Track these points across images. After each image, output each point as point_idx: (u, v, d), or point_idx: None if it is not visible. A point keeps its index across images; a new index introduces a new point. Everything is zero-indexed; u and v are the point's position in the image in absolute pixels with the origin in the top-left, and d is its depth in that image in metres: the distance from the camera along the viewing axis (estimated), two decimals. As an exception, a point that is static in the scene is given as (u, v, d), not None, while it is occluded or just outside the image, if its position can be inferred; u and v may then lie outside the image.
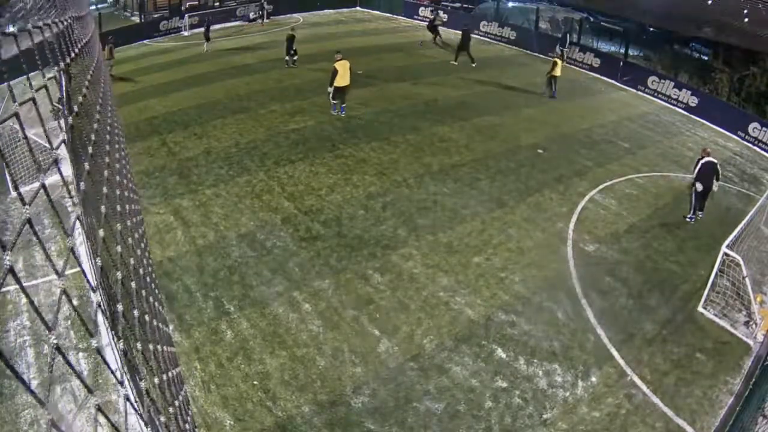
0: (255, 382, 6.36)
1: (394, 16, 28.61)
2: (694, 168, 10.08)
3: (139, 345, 1.42)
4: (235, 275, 8.14)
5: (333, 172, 11.25)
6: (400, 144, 12.76)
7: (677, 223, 10.31)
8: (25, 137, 1.20)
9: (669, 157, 13.48)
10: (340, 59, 13.67)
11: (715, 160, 10.06)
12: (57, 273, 0.89)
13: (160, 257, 8.43)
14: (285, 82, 17.01)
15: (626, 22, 22.93)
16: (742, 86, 18.45)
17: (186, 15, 25.44)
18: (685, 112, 17.11)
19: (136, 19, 27.40)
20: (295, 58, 18.60)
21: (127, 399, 1.12)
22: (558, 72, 16.84)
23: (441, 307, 7.70)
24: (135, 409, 1.24)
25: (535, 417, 6.14)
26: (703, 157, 9.97)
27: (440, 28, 23.03)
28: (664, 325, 7.68)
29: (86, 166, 1.40)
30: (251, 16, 27.67)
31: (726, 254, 7.91)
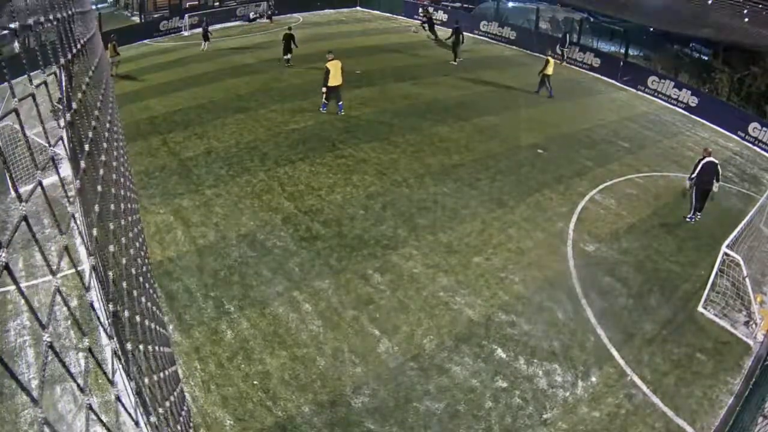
0: (255, 382, 6.36)
1: (394, 15, 28.63)
2: (695, 168, 10.06)
3: (129, 345, 1.41)
4: (235, 275, 8.13)
5: (333, 172, 11.25)
6: (400, 144, 12.76)
7: (677, 223, 10.30)
8: (25, 136, 1.20)
9: (669, 157, 13.47)
10: (332, 59, 13.75)
11: (716, 161, 10.05)
12: (52, 272, 0.89)
13: (160, 257, 8.43)
14: (285, 82, 17.02)
15: (626, 23, 22.93)
16: (742, 86, 18.45)
17: (186, 15, 25.46)
18: (685, 112, 17.11)
19: (137, 19, 27.42)
20: (288, 56, 18.65)
21: (119, 399, 1.12)
22: (550, 71, 16.86)
23: (441, 307, 7.70)
24: (126, 410, 1.23)
25: (535, 417, 6.14)
26: (704, 157, 9.95)
27: (435, 27, 23.32)
28: (664, 325, 7.67)
29: (82, 164, 1.40)
30: (251, 15, 27.69)
31: (726, 254, 7.91)
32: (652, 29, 22.44)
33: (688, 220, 10.33)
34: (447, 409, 6.17)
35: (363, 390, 6.34)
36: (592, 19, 25.05)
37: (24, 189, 10.18)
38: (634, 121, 15.70)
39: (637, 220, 10.30)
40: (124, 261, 1.74)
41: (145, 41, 23.56)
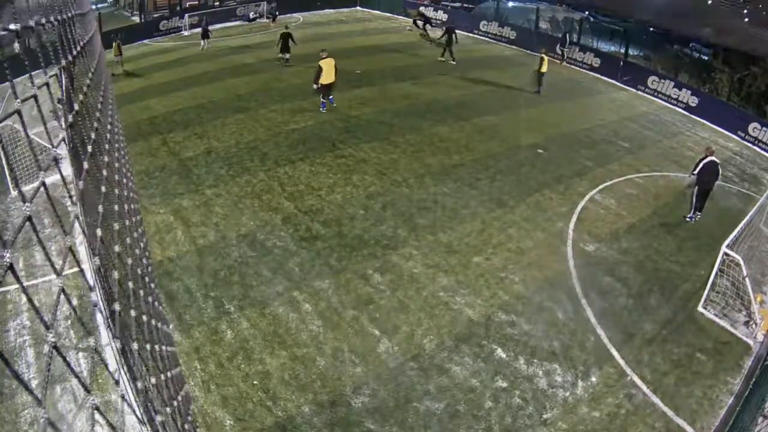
0: (255, 382, 6.36)
1: (394, 15, 28.63)
2: (695, 166, 10.06)
3: (135, 345, 1.42)
4: (235, 275, 8.14)
5: (333, 172, 11.25)
6: (400, 144, 12.76)
7: (677, 223, 10.31)
8: (27, 136, 1.20)
9: (669, 157, 13.48)
10: (326, 57, 13.81)
11: (718, 160, 10.06)
12: (56, 272, 0.89)
13: (160, 257, 8.43)
14: (285, 82, 17.02)
15: (627, 22, 22.94)
16: (742, 86, 18.46)
17: (186, 15, 25.47)
18: (685, 112, 17.12)
19: (137, 19, 27.42)
20: (287, 56, 18.72)
21: (124, 398, 1.12)
22: (545, 68, 16.90)
23: (441, 307, 7.70)
24: (132, 409, 1.23)
25: (535, 417, 6.14)
26: (706, 156, 9.95)
27: (429, 27, 23.65)
28: (664, 325, 7.68)
29: (85, 165, 1.40)
30: (251, 15, 27.69)
31: (726, 254, 7.91)
32: (652, 29, 22.45)
33: (688, 219, 10.34)
34: (447, 409, 6.17)
35: (363, 390, 6.34)
36: (592, 19, 25.06)
37: (24, 189, 10.18)
38: (634, 121, 15.70)
39: (637, 220, 10.31)
40: (129, 261, 1.74)
41: (145, 41, 23.56)
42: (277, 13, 27.39)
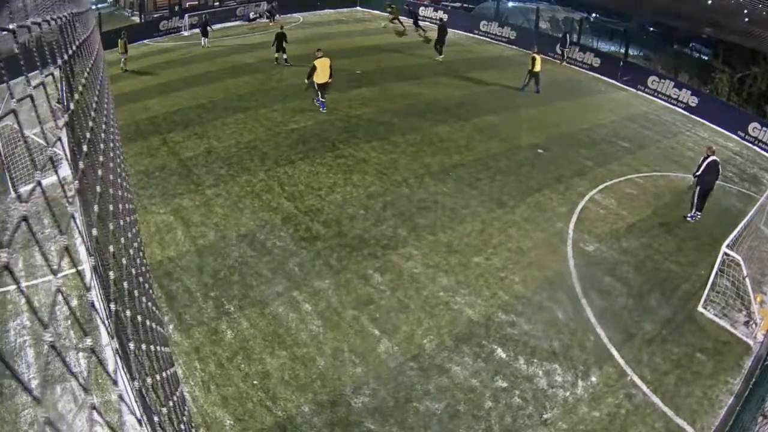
0: (255, 382, 6.36)
1: (410, 19, 28.59)
2: (699, 167, 10.05)
3: (131, 345, 1.41)
4: (235, 275, 8.13)
5: (333, 172, 11.25)
6: (400, 144, 12.76)
7: (677, 223, 10.30)
8: (24, 136, 1.20)
9: (669, 157, 13.47)
10: (321, 56, 13.83)
11: (719, 159, 10.08)
12: (53, 272, 0.89)
13: (160, 257, 8.43)
14: (285, 82, 17.01)
15: (627, 22, 22.95)
16: (743, 86, 18.46)
17: (186, 15, 25.47)
18: (685, 112, 17.11)
19: (136, 19, 27.42)
20: (285, 56, 18.79)
21: (121, 399, 1.12)
22: (537, 67, 16.94)
23: (441, 307, 7.70)
24: (130, 409, 1.23)
25: (535, 417, 6.14)
26: (708, 156, 9.95)
27: (422, 23, 24.60)
28: (664, 325, 7.67)
29: (81, 165, 1.40)
30: (251, 15, 27.69)
31: (726, 254, 7.91)
32: (652, 29, 22.47)
33: (688, 219, 10.34)
34: (447, 409, 6.17)
35: (363, 390, 6.34)
36: (591, 19, 25.06)
37: (23, 189, 10.18)
38: (634, 121, 15.70)
39: (637, 220, 10.30)
40: (124, 261, 1.74)
41: (145, 41, 23.56)
42: (278, 14, 27.42)
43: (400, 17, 25.10)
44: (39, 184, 0.96)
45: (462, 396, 6.33)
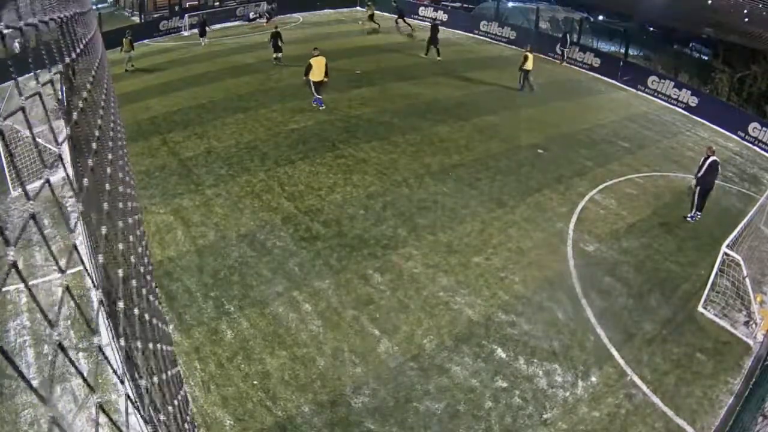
0: (255, 382, 6.36)
1: (394, 15, 28.58)
2: (700, 167, 10.06)
3: (139, 344, 1.42)
4: (235, 275, 8.13)
5: (333, 172, 11.25)
6: (400, 144, 12.76)
7: (677, 223, 10.31)
8: (32, 134, 1.20)
9: (669, 157, 13.48)
10: (317, 55, 14.06)
11: (719, 159, 10.11)
12: (60, 270, 0.89)
13: (160, 257, 8.43)
14: (285, 82, 17.01)
15: (627, 22, 22.96)
16: (743, 86, 18.47)
17: (186, 15, 25.48)
18: (685, 112, 17.12)
19: (136, 19, 27.42)
20: (279, 55, 18.83)
21: (128, 398, 1.12)
22: (529, 66, 16.96)
23: (441, 307, 7.70)
24: (136, 407, 1.23)
25: (535, 417, 6.14)
26: (708, 156, 9.97)
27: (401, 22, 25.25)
28: (664, 325, 7.68)
29: (90, 162, 1.40)
30: (251, 15, 27.70)
31: (726, 254, 7.91)
32: (652, 29, 22.49)
33: (688, 219, 10.34)
34: (447, 409, 6.17)
35: (363, 390, 6.34)
36: (591, 19, 25.08)
37: (26, 188, 10.20)
38: (634, 121, 15.70)
39: (637, 220, 10.31)
40: (133, 259, 1.74)
41: (145, 41, 23.54)
42: (274, 15, 27.40)
43: (374, 14, 25.85)
44: (48, 182, 0.96)
45: (462, 396, 6.33)
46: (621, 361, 6.97)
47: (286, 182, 10.79)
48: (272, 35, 18.94)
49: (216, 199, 10.14)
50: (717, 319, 7.79)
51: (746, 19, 15.06)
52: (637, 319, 7.76)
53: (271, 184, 10.69)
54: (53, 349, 0.78)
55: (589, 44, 22.53)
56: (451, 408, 6.18)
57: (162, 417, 1.42)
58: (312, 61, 14.00)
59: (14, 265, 0.70)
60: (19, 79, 1.24)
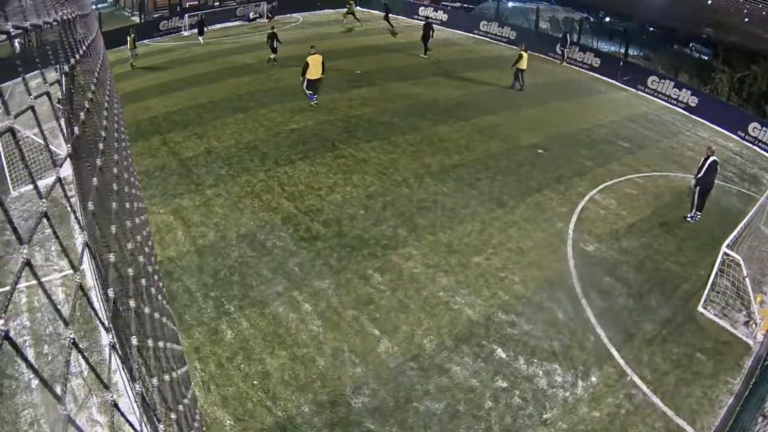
0: (255, 382, 6.36)
1: (394, 15, 28.59)
2: (700, 167, 10.07)
3: (150, 342, 1.42)
4: (235, 275, 8.14)
5: (333, 172, 11.25)
6: (400, 144, 12.76)
7: (677, 223, 10.31)
8: (41, 131, 1.20)
9: (669, 157, 13.48)
10: (314, 53, 14.21)
11: (718, 159, 10.13)
12: (73, 267, 0.90)
13: (160, 257, 8.42)
14: (285, 82, 17.01)
15: (627, 21, 22.97)
16: (743, 86, 18.47)
17: (186, 15, 25.48)
18: (685, 112, 17.13)
19: (136, 19, 27.41)
20: (273, 56, 18.83)
21: (141, 396, 1.13)
22: (524, 65, 17.00)
23: (441, 307, 7.70)
24: (146, 407, 1.24)
25: (535, 417, 6.14)
26: (708, 156, 9.98)
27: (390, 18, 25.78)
28: (664, 325, 7.68)
29: (98, 162, 1.41)
30: (251, 15, 27.70)
31: (726, 254, 7.91)
32: (652, 29, 22.49)
33: (688, 219, 10.35)
34: (447, 409, 6.17)
35: (363, 390, 6.35)
36: (592, 19, 25.08)
37: (22, 190, 10.16)
38: (634, 121, 15.71)
39: (637, 220, 10.31)
40: (141, 259, 1.74)
41: (145, 41, 23.54)
42: (276, 14, 27.46)
43: (355, 12, 26.28)
44: (59, 180, 0.97)
45: (462, 396, 6.33)
46: (621, 361, 6.97)
47: (286, 182, 10.80)
48: (269, 36, 18.93)
49: (216, 199, 10.15)
50: (717, 319, 7.80)
51: (746, 19, 15.06)
52: (637, 319, 7.76)
53: (271, 184, 10.69)
54: (68, 348, 0.79)
55: (589, 44, 22.53)
56: (451, 408, 6.18)
57: (173, 416, 1.42)
58: (309, 59, 14.12)
59: (28, 262, 0.70)
60: (19, 79, 1.25)
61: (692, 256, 9.31)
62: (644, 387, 6.61)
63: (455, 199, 10.50)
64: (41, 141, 8.45)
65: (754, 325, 7.64)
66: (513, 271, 8.55)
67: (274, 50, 18.85)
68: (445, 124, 14.11)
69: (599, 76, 20.02)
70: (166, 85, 17.02)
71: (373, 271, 8.36)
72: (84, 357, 0.80)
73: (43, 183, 7.85)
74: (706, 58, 21.81)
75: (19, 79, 1.79)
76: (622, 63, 19.64)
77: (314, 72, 14.22)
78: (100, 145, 1.57)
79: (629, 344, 7.28)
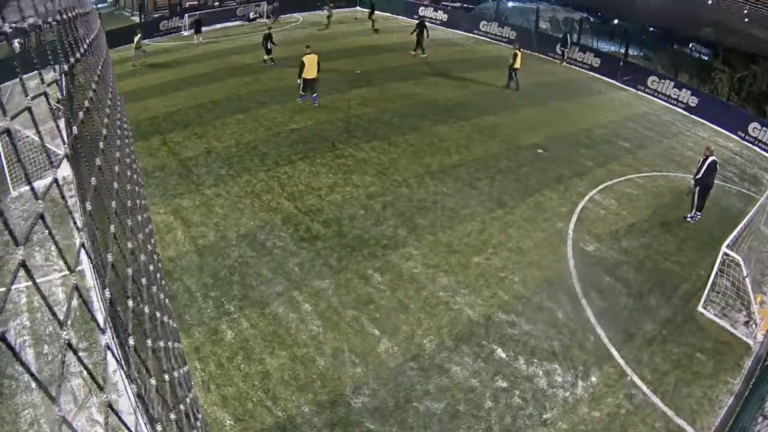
0: (255, 382, 6.36)
1: (394, 15, 28.62)
2: (699, 167, 10.07)
3: (149, 342, 1.42)
4: (235, 275, 8.13)
5: (333, 172, 11.25)
6: (400, 144, 12.76)
7: (677, 223, 10.31)
8: (38, 131, 1.20)
9: (669, 157, 13.48)
10: (309, 53, 14.37)
11: (717, 159, 10.13)
12: (69, 269, 0.89)
13: (160, 257, 8.42)
14: (285, 82, 17.00)
15: (626, 21, 22.97)
16: (742, 86, 18.47)
17: (186, 15, 25.48)
18: (685, 112, 17.13)
19: (136, 19, 27.41)
20: (268, 57, 18.86)
21: (140, 396, 1.12)
22: (518, 64, 17.03)
23: (441, 307, 7.70)
24: (145, 407, 1.23)
25: (535, 417, 6.14)
26: (707, 156, 9.98)
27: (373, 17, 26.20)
28: (664, 325, 7.68)
29: (98, 161, 1.40)
30: (251, 15, 27.70)
31: (726, 254, 7.91)
32: (652, 29, 22.49)
33: (688, 219, 10.34)
34: (447, 409, 6.17)
35: (363, 390, 6.34)
36: (591, 19, 25.09)
37: (23, 189, 10.16)
38: (634, 121, 15.70)
39: (637, 220, 10.31)
40: (143, 257, 1.74)
41: (145, 41, 23.52)
42: (278, 14, 27.50)
43: (332, 13, 26.76)
44: (56, 180, 0.96)
45: (462, 396, 6.33)
46: (621, 361, 6.97)
47: (286, 182, 10.79)
48: (264, 37, 18.89)
49: (216, 199, 10.14)
50: (717, 319, 7.80)
51: (746, 20, 15.05)
52: (637, 319, 7.76)
53: (271, 184, 10.69)
54: (62, 348, 0.79)
55: (589, 44, 22.53)
56: (451, 408, 6.18)
57: (173, 416, 1.42)
58: (305, 59, 14.29)
59: (23, 263, 0.70)
60: (18, 79, 1.24)
61: (692, 256, 9.31)
62: (644, 387, 6.61)
63: (455, 199, 10.50)
64: (40, 141, 8.45)
65: (754, 325, 7.64)
66: (513, 271, 8.55)
67: (269, 51, 18.82)
68: (445, 124, 14.10)
69: (599, 76, 20.02)
70: (166, 85, 17.02)
71: (373, 271, 8.35)
72: (78, 358, 0.80)
73: (42, 183, 7.86)
74: (706, 58, 21.81)
75: (18, 79, 1.81)
76: (622, 63, 19.64)
77: (310, 72, 14.41)
78: (101, 144, 1.57)
79: (629, 344, 7.28)
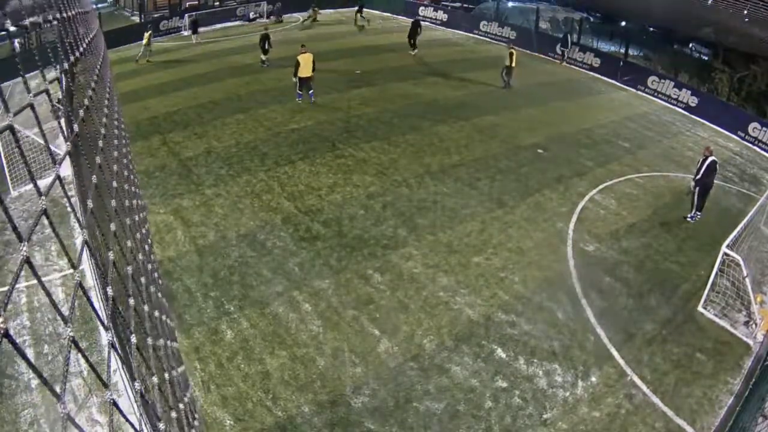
0: (255, 382, 6.36)
1: (394, 15, 28.63)
2: (699, 167, 10.07)
3: (149, 341, 1.42)
4: (235, 275, 8.13)
5: (333, 172, 11.25)
6: (400, 144, 12.76)
7: (677, 223, 10.31)
8: (41, 128, 1.20)
9: (669, 157, 13.48)
10: (304, 52, 14.62)
11: (717, 159, 10.14)
12: (73, 266, 0.89)
13: (160, 257, 8.42)
14: (285, 82, 16.99)
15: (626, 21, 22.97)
16: (742, 86, 18.47)
17: (186, 15, 25.48)
18: (685, 112, 17.13)
19: (136, 19, 27.41)
20: (264, 57, 18.92)
21: (141, 395, 1.13)
22: (513, 63, 17.07)
23: (441, 307, 7.70)
24: (145, 407, 1.24)
25: (535, 417, 6.14)
26: (707, 157, 9.99)
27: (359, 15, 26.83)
28: (664, 325, 7.68)
29: (97, 160, 1.40)
30: (251, 15, 27.70)
31: (726, 254, 7.91)
32: (652, 29, 22.49)
33: (688, 219, 10.35)
34: (447, 409, 6.17)
35: (363, 390, 6.34)
36: (591, 19, 25.09)
37: (24, 189, 10.16)
38: (634, 121, 15.71)
39: (637, 220, 10.31)
40: (140, 257, 1.74)
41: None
42: (280, 14, 27.54)
43: (318, 16, 27.39)
44: (58, 177, 0.96)
45: (462, 396, 6.33)
46: (621, 361, 6.97)
47: (286, 182, 10.79)
48: (261, 37, 18.85)
49: (216, 199, 10.14)
50: (717, 319, 7.80)
51: (746, 20, 15.05)
52: (637, 319, 7.76)
53: (271, 184, 10.69)
54: (67, 345, 0.79)
55: (589, 44, 22.53)
56: (451, 408, 6.18)
57: (174, 414, 1.42)
58: (300, 58, 14.47)
59: (27, 260, 0.70)
60: (19, 78, 1.24)
61: (692, 256, 9.31)
62: (644, 387, 6.61)
63: (455, 199, 10.50)
64: (41, 140, 8.45)
65: (754, 325, 7.64)
66: (513, 271, 8.55)
67: (265, 52, 18.80)
68: (445, 124, 14.11)
69: (599, 76, 20.02)
70: (166, 85, 17.02)
71: (373, 271, 8.35)
72: (83, 355, 0.80)
73: (43, 182, 7.85)
74: (706, 58, 21.81)
75: (19, 78, 1.79)
76: (622, 63, 19.65)
77: (305, 70, 14.60)
78: (100, 143, 1.57)
79: (629, 344, 7.28)
